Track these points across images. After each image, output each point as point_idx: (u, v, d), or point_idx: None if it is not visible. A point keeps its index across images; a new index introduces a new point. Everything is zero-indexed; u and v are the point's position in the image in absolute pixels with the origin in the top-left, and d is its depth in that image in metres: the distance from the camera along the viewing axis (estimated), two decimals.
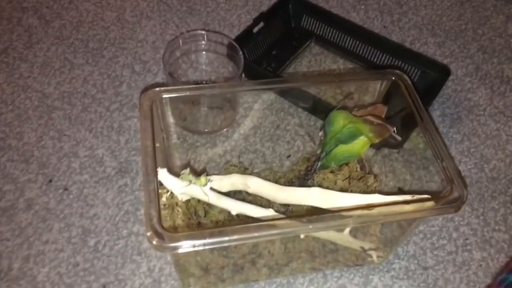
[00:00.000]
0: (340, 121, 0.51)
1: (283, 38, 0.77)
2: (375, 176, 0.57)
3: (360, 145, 0.52)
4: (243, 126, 0.67)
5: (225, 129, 0.66)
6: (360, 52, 0.74)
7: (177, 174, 0.46)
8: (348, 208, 0.43)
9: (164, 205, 0.50)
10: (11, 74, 0.70)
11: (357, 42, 0.74)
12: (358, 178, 0.56)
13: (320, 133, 0.53)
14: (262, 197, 0.53)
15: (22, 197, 0.59)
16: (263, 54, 0.74)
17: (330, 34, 0.76)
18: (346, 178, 0.56)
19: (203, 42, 0.65)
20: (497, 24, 0.84)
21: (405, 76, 0.50)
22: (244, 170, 0.59)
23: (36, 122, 0.65)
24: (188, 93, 0.48)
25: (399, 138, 0.50)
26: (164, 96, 0.47)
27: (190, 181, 0.43)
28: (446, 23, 0.84)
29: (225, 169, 0.58)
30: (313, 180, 0.56)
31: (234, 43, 0.63)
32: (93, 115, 0.67)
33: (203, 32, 0.64)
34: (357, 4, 0.85)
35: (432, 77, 0.70)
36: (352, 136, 0.52)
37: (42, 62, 0.72)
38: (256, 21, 0.73)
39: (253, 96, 0.70)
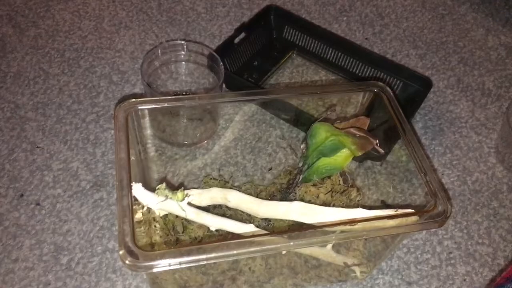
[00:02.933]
0: (322, 133, 0.50)
1: (264, 49, 0.76)
2: (358, 189, 0.55)
3: (343, 157, 0.51)
4: (223, 138, 0.65)
5: (205, 141, 0.64)
6: (342, 63, 0.74)
7: (154, 189, 0.45)
8: (331, 224, 0.42)
9: (140, 221, 0.48)
10: None
11: (339, 54, 0.73)
12: (341, 192, 0.55)
13: (302, 146, 0.52)
14: (242, 212, 0.51)
15: None
16: (244, 65, 0.73)
17: (312, 45, 0.75)
18: (328, 192, 0.55)
19: (183, 52, 0.64)
20: (477, 36, 0.85)
21: (388, 88, 0.49)
22: (224, 184, 0.57)
23: (8, 134, 0.63)
24: (165, 104, 0.46)
25: (382, 151, 0.50)
26: (140, 107, 0.45)
27: (167, 196, 0.41)
28: (427, 35, 0.84)
29: (205, 183, 0.57)
30: (295, 193, 0.55)
31: (215, 54, 0.62)
32: (68, 127, 0.64)
33: (183, 42, 0.63)
34: (339, 16, 0.85)
35: (414, 89, 0.70)
36: (335, 149, 0.50)
37: (15, 71, 0.70)
38: (237, 32, 0.71)
39: (234, 108, 0.68)
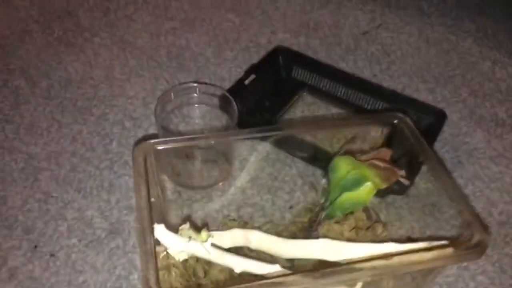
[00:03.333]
0: (343, 167, 0.49)
1: (275, 89, 0.76)
2: (384, 225, 0.54)
3: (366, 191, 0.49)
4: (239, 179, 0.64)
5: (220, 183, 0.63)
6: (354, 100, 0.73)
7: (174, 231, 0.43)
8: (361, 259, 0.39)
9: (160, 267, 0.46)
10: None
11: (350, 90, 0.73)
12: (366, 228, 0.53)
13: (323, 181, 0.51)
14: (265, 253, 0.49)
15: (4, 266, 0.54)
16: (255, 106, 0.73)
17: (322, 83, 0.75)
18: (353, 228, 0.53)
19: (195, 94, 0.64)
20: (484, 69, 0.85)
21: (407, 118, 0.49)
22: (244, 224, 0.55)
23: (22, 185, 0.62)
24: (182, 143, 0.46)
25: (407, 182, 0.48)
26: (158, 148, 0.44)
27: (190, 237, 0.40)
28: (435, 70, 0.84)
29: (224, 224, 0.55)
30: (318, 232, 0.53)
31: (227, 94, 0.62)
32: (81, 175, 0.64)
33: (195, 84, 0.63)
34: (345, 55, 0.86)
35: (428, 122, 0.69)
36: (357, 183, 0.49)
37: (28, 122, 0.70)
38: (247, 73, 0.72)
39: (248, 149, 0.68)
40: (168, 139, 0.45)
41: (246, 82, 0.72)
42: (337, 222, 0.54)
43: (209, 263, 0.50)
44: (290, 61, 0.77)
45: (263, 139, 0.65)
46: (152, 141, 0.44)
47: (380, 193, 0.59)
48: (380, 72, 0.83)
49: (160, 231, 0.38)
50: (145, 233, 0.37)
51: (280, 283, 0.38)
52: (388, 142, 0.50)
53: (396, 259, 0.38)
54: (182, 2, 0.94)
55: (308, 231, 0.53)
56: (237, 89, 0.70)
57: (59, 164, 0.65)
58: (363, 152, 0.51)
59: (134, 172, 0.42)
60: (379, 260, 0.38)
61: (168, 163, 0.61)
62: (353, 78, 0.74)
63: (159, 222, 0.41)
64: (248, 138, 0.49)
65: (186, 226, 0.40)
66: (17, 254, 0.55)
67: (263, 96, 0.75)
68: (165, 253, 0.45)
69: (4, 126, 0.69)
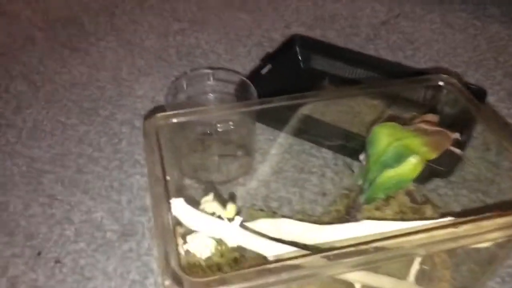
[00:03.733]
0: (383, 139, 0.42)
1: (293, 80, 0.71)
2: (434, 206, 0.47)
3: (411, 166, 0.43)
4: (261, 172, 0.58)
5: (241, 178, 0.57)
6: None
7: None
8: (421, 229, 0.32)
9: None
10: None
11: (376, 75, 0.68)
12: (413, 212, 0.46)
13: (361, 157, 0.44)
14: (298, 243, 0.43)
15: (4, 276, 0.48)
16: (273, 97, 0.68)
17: (345, 71, 0.70)
18: (397, 213, 0.46)
19: (209, 82, 0.58)
20: None
21: (454, 79, 0.43)
22: (273, 215, 0.49)
23: (23, 189, 0.56)
24: (196, 116, 0.40)
25: (460, 151, 0.42)
26: (172, 121, 0.39)
27: (214, 213, 0.33)
28: (464, 54, 0.79)
29: (250, 215, 0.49)
30: (356, 220, 0.46)
31: (246, 80, 0.57)
32: (89, 176, 0.58)
33: (209, 70, 0.58)
34: (365, 44, 0.81)
35: None
36: (400, 157, 0.42)
37: (31, 126, 0.65)
38: (263, 63, 0.67)
39: (267, 141, 0.62)
40: (181, 111, 0.39)
41: (262, 72, 0.67)
42: (377, 209, 0.47)
43: (236, 260, 0.44)
44: (308, 49, 0.72)
45: (284, 127, 0.60)
46: (164, 114, 0.39)
47: (420, 180, 0.52)
48: (405, 59, 0.77)
49: (179, 205, 0.32)
50: (160, 209, 0.31)
51: (324, 263, 0.31)
52: (433, 108, 0.44)
53: (464, 228, 0.31)
54: (190, 3, 0.90)
55: (345, 220, 0.47)
56: (253, 79, 0.64)
57: (65, 166, 0.59)
58: (404, 121, 0.45)
59: (145, 148, 0.36)
60: (443, 229, 0.31)
61: (183, 156, 0.55)
62: (378, 61, 0.68)
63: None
64: (272, 108, 0.43)
65: (210, 197, 0.34)
66: (19, 262, 0.49)
67: (281, 88, 0.69)
68: (184, 250, 0.39)
69: (5, 131, 0.64)
